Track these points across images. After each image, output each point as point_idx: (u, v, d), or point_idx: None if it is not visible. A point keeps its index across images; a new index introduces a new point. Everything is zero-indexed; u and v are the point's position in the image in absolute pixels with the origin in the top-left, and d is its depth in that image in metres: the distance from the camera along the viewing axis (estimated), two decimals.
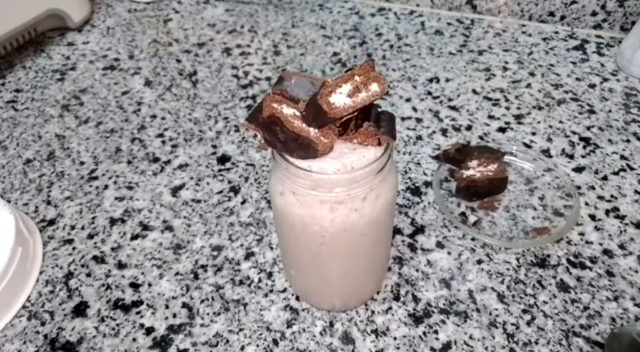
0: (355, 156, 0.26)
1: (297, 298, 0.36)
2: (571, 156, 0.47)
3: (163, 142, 0.50)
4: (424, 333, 0.34)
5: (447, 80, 0.57)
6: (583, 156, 0.46)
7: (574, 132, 0.49)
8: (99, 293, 0.37)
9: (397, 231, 0.40)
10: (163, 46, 0.65)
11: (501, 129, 0.50)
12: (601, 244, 0.39)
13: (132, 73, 0.60)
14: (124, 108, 0.55)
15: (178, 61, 0.62)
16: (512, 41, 0.63)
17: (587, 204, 0.42)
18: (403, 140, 0.49)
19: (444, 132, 0.50)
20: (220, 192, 0.45)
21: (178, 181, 0.46)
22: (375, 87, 0.24)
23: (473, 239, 0.39)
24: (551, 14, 0.65)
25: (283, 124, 0.25)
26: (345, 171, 0.26)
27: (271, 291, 0.36)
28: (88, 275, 0.38)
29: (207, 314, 0.35)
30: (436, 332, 0.34)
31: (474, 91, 0.55)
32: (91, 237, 0.41)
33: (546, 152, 0.47)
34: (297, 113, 0.26)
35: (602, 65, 0.58)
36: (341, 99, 0.24)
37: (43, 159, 0.49)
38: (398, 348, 0.33)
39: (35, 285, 0.38)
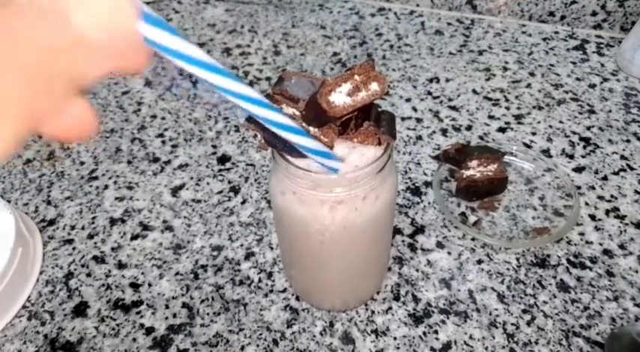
0: (355, 156, 0.26)
1: (297, 298, 0.36)
2: (571, 156, 0.47)
3: (163, 142, 0.50)
4: (424, 333, 0.34)
5: (447, 80, 0.57)
6: (583, 156, 0.46)
7: (574, 132, 0.49)
8: (99, 293, 0.37)
9: (397, 231, 0.40)
10: None
11: (501, 129, 0.50)
12: (601, 244, 0.39)
13: (132, 73, 0.60)
14: (124, 108, 0.55)
15: None
16: (512, 41, 0.63)
17: (587, 204, 0.42)
18: (403, 140, 0.49)
19: (444, 132, 0.50)
20: (220, 192, 0.45)
21: (178, 181, 0.46)
22: (375, 86, 0.24)
23: (473, 239, 0.39)
24: (551, 14, 0.65)
25: None
26: (345, 170, 0.26)
27: (271, 291, 0.36)
28: (88, 275, 0.38)
29: (207, 314, 0.35)
30: (436, 332, 0.34)
31: (474, 91, 0.55)
32: (91, 237, 0.41)
33: (546, 152, 0.47)
34: (297, 113, 0.26)
35: (602, 65, 0.58)
36: (341, 98, 0.24)
37: (43, 159, 0.49)
38: (398, 348, 0.33)
39: (35, 285, 0.38)
